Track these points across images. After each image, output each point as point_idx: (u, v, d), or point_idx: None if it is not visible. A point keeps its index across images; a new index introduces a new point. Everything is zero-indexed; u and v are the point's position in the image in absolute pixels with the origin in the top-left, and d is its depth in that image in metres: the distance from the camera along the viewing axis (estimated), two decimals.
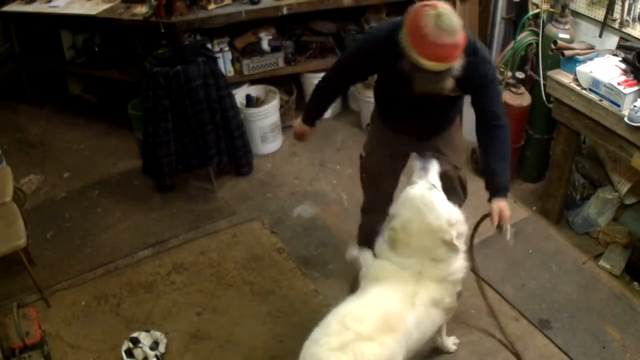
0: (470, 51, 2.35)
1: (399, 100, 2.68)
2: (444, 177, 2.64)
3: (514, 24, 4.01)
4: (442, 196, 2.46)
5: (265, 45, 4.28)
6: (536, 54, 3.57)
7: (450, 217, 2.41)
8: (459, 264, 2.50)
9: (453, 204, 2.52)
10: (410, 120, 2.75)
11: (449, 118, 2.83)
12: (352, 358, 2.17)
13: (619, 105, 2.92)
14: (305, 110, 2.98)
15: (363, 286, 2.53)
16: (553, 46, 3.33)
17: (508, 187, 2.53)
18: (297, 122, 2.98)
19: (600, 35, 3.32)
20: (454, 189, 2.81)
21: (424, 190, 2.43)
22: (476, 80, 2.44)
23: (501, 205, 2.48)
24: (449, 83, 2.29)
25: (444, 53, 2.20)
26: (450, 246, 2.40)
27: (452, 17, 2.18)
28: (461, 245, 2.46)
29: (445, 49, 2.19)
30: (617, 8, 3.17)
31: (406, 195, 2.46)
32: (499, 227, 2.48)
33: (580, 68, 3.12)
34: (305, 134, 2.94)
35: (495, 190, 2.51)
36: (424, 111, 2.65)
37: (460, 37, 2.21)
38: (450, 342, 2.95)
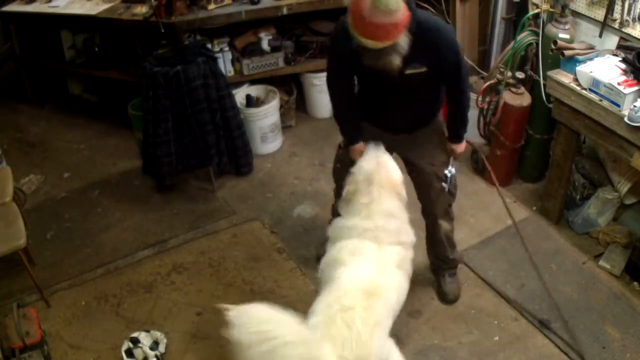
0: (418, 28, 2.45)
1: (368, 85, 2.80)
2: (420, 172, 2.92)
3: (514, 24, 4.02)
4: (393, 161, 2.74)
5: (265, 45, 4.28)
6: (536, 54, 3.57)
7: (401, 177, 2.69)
8: (407, 227, 2.69)
9: (429, 198, 2.93)
10: (386, 112, 2.85)
11: (424, 111, 2.90)
12: (343, 325, 2.21)
13: (619, 105, 2.92)
14: (344, 134, 3.01)
15: (329, 250, 2.65)
16: (553, 46, 3.33)
17: (462, 136, 2.94)
18: (352, 149, 2.95)
19: (600, 35, 3.32)
20: (429, 185, 2.94)
21: (381, 153, 2.71)
22: (434, 54, 2.57)
23: (454, 147, 2.93)
24: (395, 59, 2.42)
25: (381, 32, 2.32)
26: (402, 201, 2.67)
27: None
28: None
29: (380, 27, 2.31)
30: (617, 8, 3.17)
31: (368, 154, 2.73)
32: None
33: (580, 68, 3.12)
34: (362, 150, 2.88)
35: (451, 137, 2.94)
36: (398, 101, 2.76)
37: (397, 16, 2.31)
38: None
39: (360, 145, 2.91)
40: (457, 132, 2.92)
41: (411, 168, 2.99)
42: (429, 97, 2.85)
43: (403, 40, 2.38)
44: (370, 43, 2.34)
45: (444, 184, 2.93)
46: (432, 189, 2.94)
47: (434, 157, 2.93)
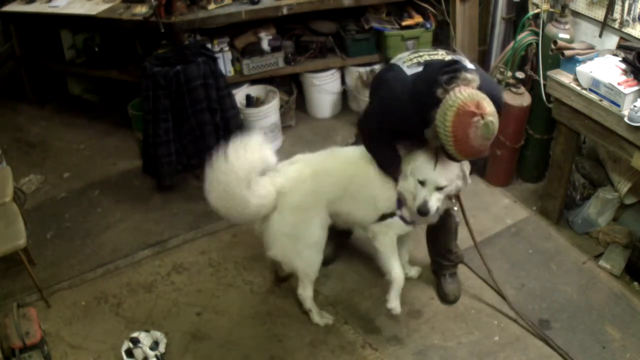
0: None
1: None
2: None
3: (514, 24, 4.01)
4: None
5: (265, 45, 4.28)
6: (536, 54, 3.57)
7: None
8: None
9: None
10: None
11: None
12: None
13: (619, 105, 2.92)
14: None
15: None
16: (553, 46, 3.33)
17: None
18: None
19: (600, 35, 3.32)
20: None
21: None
22: None
23: None
24: None
25: (483, 153, 2.43)
26: None
27: (495, 124, 2.33)
28: None
29: (484, 152, 2.41)
30: (617, 8, 3.17)
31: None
32: None
33: (580, 68, 3.11)
34: None
35: None
36: None
37: None
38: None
39: None
40: None
41: None
42: None
43: None
44: (462, 158, 2.50)
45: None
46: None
47: None
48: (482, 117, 2.27)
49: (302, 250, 2.88)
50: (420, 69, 2.52)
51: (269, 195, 2.77)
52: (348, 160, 2.88)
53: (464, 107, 2.27)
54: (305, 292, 3.04)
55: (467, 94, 2.30)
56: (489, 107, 2.30)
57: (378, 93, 2.69)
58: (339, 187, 2.83)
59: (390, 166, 2.74)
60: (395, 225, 2.84)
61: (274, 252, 2.92)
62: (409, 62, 2.58)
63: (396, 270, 2.89)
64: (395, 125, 2.60)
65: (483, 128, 2.28)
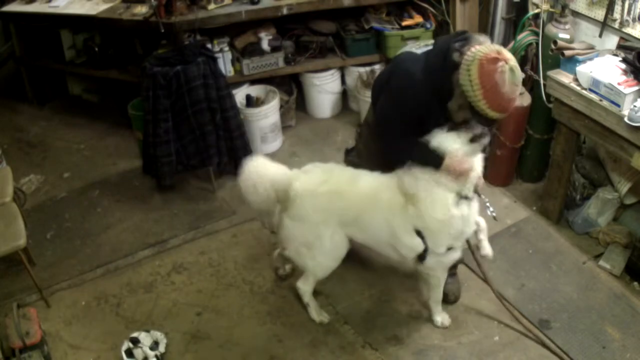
0: None
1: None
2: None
3: (514, 24, 4.01)
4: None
5: (265, 45, 4.28)
6: (536, 54, 3.57)
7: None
8: None
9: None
10: None
11: None
12: None
13: (619, 105, 2.92)
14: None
15: None
16: (553, 46, 3.33)
17: None
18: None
19: (600, 35, 3.32)
20: None
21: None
22: None
23: None
24: None
25: (513, 104, 2.37)
26: None
27: (519, 69, 2.33)
28: None
29: (514, 101, 2.36)
30: (617, 8, 3.17)
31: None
32: None
33: (580, 68, 3.11)
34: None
35: None
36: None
37: None
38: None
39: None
40: None
41: None
42: None
43: None
44: (498, 115, 2.38)
45: None
46: None
47: None
48: (506, 62, 2.28)
49: (316, 255, 2.86)
50: (428, 48, 2.55)
51: (280, 181, 2.81)
52: (365, 188, 2.76)
53: (486, 56, 2.29)
54: (305, 287, 3.05)
55: (484, 46, 2.32)
56: (507, 53, 2.32)
57: (391, 82, 2.61)
58: (350, 213, 2.78)
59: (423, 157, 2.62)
60: (447, 260, 2.82)
61: (288, 252, 2.92)
62: (417, 47, 2.60)
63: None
64: (413, 109, 2.53)
65: (509, 72, 2.29)
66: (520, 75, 2.33)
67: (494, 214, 2.82)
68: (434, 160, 2.56)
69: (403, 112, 2.56)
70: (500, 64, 2.27)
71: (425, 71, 2.46)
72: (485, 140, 2.63)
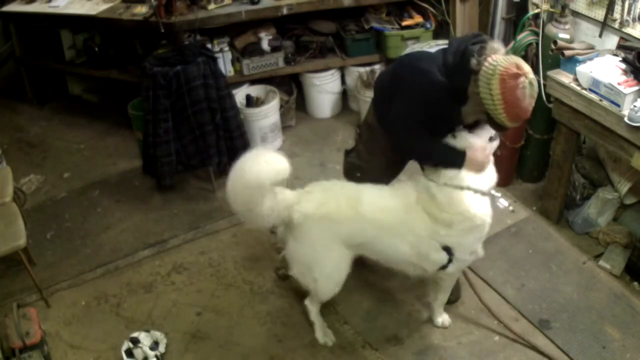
0: None
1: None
2: None
3: (514, 24, 4.01)
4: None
5: (265, 45, 4.28)
6: (536, 54, 3.57)
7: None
8: None
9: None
10: None
11: None
12: None
13: (619, 105, 2.92)
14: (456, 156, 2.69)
15: None
16: (553, 46, 3.33)
17: None
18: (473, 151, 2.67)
19: (600, 35, 3.32)
20: None
21: None
22: None
23: None
24: None
25: (529, 114, 2.44)
26: None
27: (535, 79, 2.37)
28: None
29: (529, 111, 2.40)
30: (617, 8, 3.17)
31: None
32: None
33: (580, 68, 3.11)
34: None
35: None
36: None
37: None
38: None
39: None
40: None
41: None
42: None
43: None
44: (518, 124, 2.50)
45: None
46: None
47: None
48: (526, 77, 2.31)
49: (317, 278, 2.83)
50: (440, 47, 2.54)
51: (281, 204, 2.68)
52: (375, 212, 2.70)
53: (507, 71, 2.30)
54: (311, 306, 3.01)
55: (502, 58, 2.33)
56: (526, 66, 2.34)
57: (407, 79, 2.58)
58: (357, 238, 2.75)
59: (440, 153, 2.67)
60: (468, 263, 2.85)
61: (293, 272, 2.90)
62: (427, 46, 2.61)
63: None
64: (428, 106, 2.52)
65: (529, 87, 2.32)
66: (537, 87, 2.36)
67: (510, 207, 2.89)
68: (455, 157, 2.61)
69: (421, 108, 2.56)
70: (522, 79, 2.30)
71: (441, 70, 2.48)
72: (497, 142, 2.74)
